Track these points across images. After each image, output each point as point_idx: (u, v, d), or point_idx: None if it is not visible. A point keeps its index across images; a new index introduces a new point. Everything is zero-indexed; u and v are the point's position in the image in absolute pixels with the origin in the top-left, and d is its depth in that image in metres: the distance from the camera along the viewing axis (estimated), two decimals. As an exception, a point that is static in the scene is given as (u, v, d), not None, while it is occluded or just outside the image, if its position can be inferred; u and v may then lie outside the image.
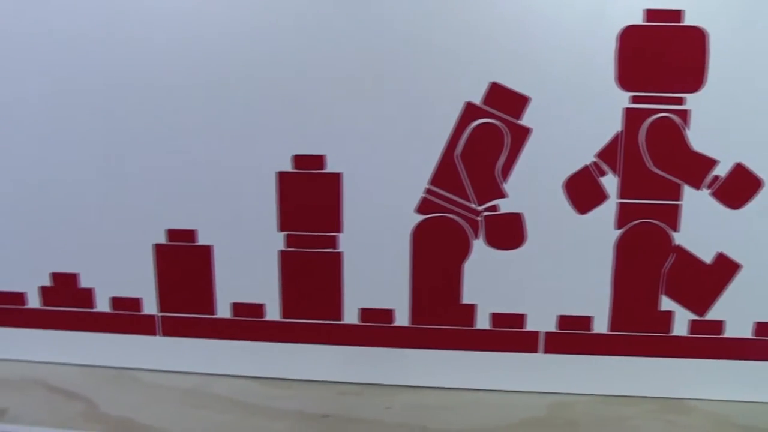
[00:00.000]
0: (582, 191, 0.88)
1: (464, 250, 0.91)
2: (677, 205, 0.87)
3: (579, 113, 0.86)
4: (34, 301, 1.01)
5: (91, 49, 0.91)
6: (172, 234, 0.95)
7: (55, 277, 1.00)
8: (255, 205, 0.92)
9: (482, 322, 0.93)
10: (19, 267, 1.00)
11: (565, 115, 0.86)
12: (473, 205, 0.89)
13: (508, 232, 0.90)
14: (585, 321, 0.91)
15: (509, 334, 0.93)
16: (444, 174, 0.89)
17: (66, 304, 1.00)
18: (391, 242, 0.91)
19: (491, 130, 0.87)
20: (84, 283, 0.99)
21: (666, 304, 0.91)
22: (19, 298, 1.01)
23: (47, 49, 0.92)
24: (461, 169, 0.88)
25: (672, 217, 0.88)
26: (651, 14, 0.83)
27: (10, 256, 1.00)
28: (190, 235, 0.95)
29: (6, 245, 0.99)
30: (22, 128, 0.95)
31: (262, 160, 0.91)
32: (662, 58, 0.84)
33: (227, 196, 0.92)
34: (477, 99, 0.87)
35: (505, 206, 0.89)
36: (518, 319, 0.92)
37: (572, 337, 0.92)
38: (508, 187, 0.89)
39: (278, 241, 0.93)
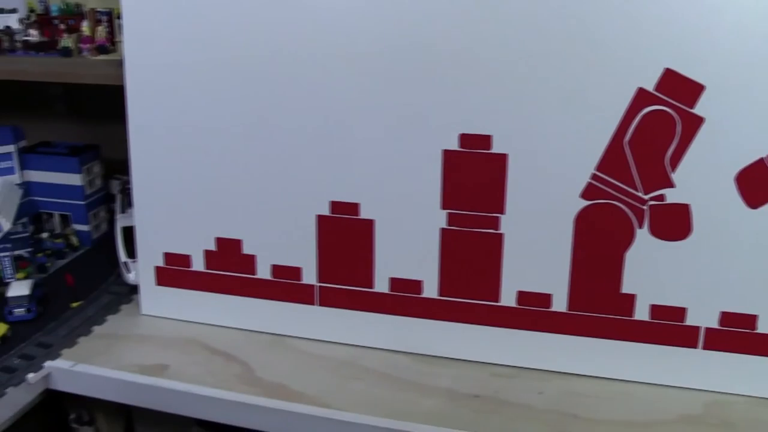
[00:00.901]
0: (755, 185, 0.86)
1: (627, 239, 0.89)
2: None
3: (756, 104, 0.83)
4: (198, 264, 1.05)
5: (264, 26, 0.94)
6: (336, 206, 0.97)
7: (220, 242, 1.03)
8: (419, 181, 0.93)
9: (641, 313, 0.91)
10: (187, 230, 1.04)
11: (741, 106, 0.84)
12: (639, 194, 0.88)
13: (673, 223, 0.88)
14: (750, 319, 0.89)
15: (668, 327, 0.91)
16: (611, 160, 0.88)
17: (228, 268, 1.03)
18: (553, 226, 0.91)
19: (663, 118, 0.85)
20: (247, 249, 1.02)
21: (840, 307, 0.87)
22: (184, 260, 1.05)
23: (224, 21, 0.95)
24: (629, 156, 0.87)
25: None
26: None
27: (179, 219, 1.03)
28: (353, 208, 0.96)
29: (176, 209, 1.03)
30: (192, 98, 0.99)
31: (429, 137, 0.92)
32: None
33: (392, 171, 0.94)
34: (650, 85, 0.85)
35: (671, 196, 0.87)
36: (679, 312, 0.90)
37: (735, 334, 0.90)
38: (676, 176, 0.87)
39: (440, 218, 0.94)
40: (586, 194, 0.89)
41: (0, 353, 1.00)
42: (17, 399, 0.93)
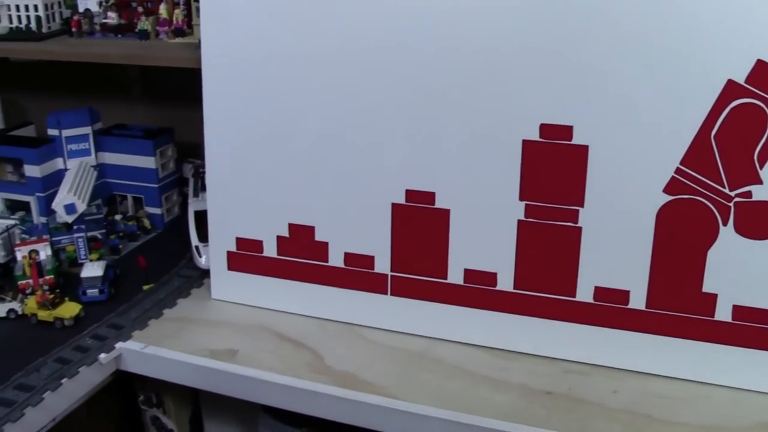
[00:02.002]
0: None
1: (711, 236, 0.87)
2: None
3: None
4: (270, 250, 1.04)
5: (346, 14, 0.93)
6: (411, 195, 0.96)
7: (293, 228, 1.02)
8: (497, 171, 0.92)
9: (723, 314, 0.89)
10: (260, 215, 1.04)
11: (836, 100, 0.80)
12: (725, 190, 0.85)
13: (760, 221, 0.85)
14: (838, 323, 0.86)
15: (751, 329, 0.88)
16: (697, 154, 0.85)
17: (301, 255, 1.03)
18: (634, 221, 0.89)
19: (753, 111, 0.82)
20: (319, 236, 1.02)
21: None
22: (256, 245, 1.04)
23: (304, 7, 0.95)
24: (716, 151, 0.84)
25: None
26: None
27: (252, 204, 1.03)
28: (429, 197, 0.95)
29: (249, 194, 1.03)
30: (269, 83, 0.98)
31: (509, 126, 0.90)
32: None
33: (470, 160, 0.92)
34: (740, 77, 0.82)
35: (759, 193, 0.85)
36: (763, 314, 0.87)
37: (821, 338, 0.86)
38: (764, 172, 0.84)
39: (518, 210, 0.92)
40: (669, 189, 0.86)
41: (73, 333, 1.01)
42: (89, 378, 0.95)
